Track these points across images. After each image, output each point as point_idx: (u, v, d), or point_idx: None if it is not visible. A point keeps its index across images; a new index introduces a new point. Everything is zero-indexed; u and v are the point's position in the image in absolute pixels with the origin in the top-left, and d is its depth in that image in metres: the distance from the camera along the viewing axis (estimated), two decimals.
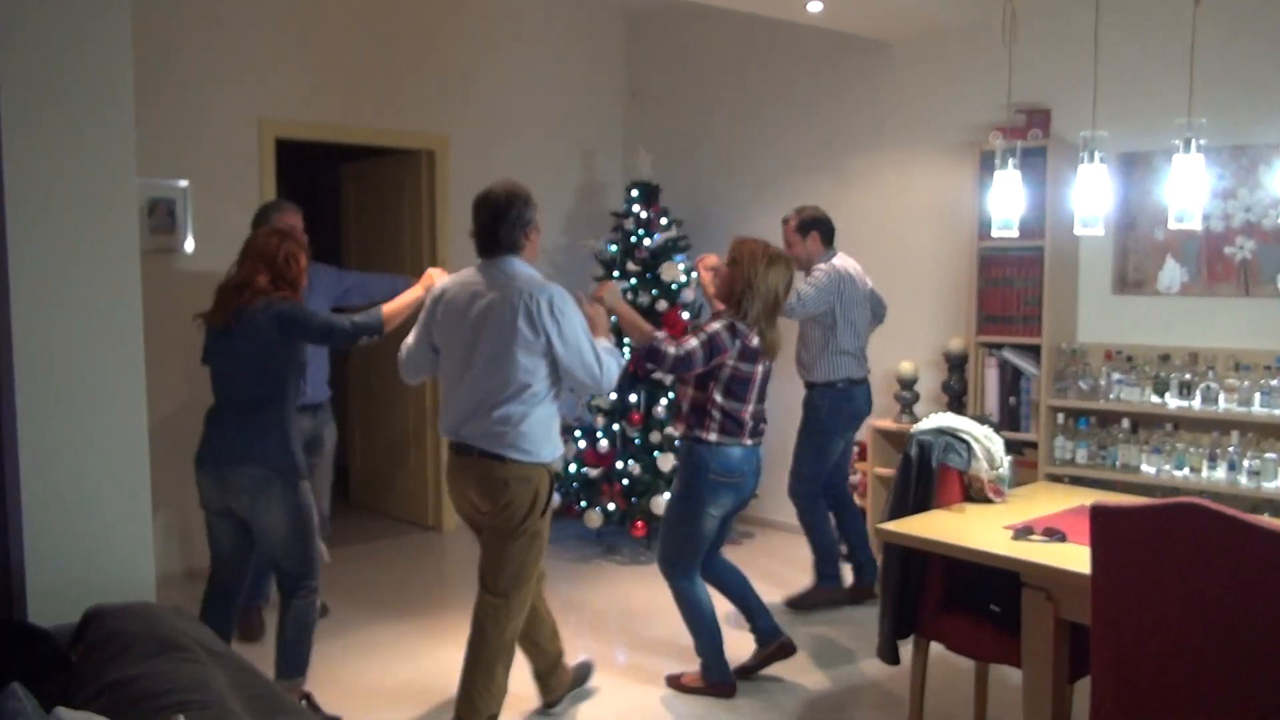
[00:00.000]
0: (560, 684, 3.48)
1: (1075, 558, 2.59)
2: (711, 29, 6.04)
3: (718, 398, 3.41)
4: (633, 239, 5.50)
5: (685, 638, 3.73)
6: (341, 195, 6.43)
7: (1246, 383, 4.10)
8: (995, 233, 3.37)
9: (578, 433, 5.44)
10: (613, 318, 3.49)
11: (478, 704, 3.12)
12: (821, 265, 4.41)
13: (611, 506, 5.29)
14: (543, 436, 3.07)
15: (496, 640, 3.12)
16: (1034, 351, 4.58)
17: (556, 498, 3.24)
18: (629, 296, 5.38)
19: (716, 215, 5.91)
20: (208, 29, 4.85)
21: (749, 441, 3.49)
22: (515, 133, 5.95)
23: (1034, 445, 4.56)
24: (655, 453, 5.24)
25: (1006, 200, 3.26)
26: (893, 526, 3.01)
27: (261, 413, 3.14)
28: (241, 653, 3.27)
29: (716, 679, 3.63)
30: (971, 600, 3.10)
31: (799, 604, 4.46)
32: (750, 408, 3.47)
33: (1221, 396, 4.13)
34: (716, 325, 3.40)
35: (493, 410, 3.01)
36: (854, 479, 5.24)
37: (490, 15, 5.86)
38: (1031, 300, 4.56)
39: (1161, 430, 4.27)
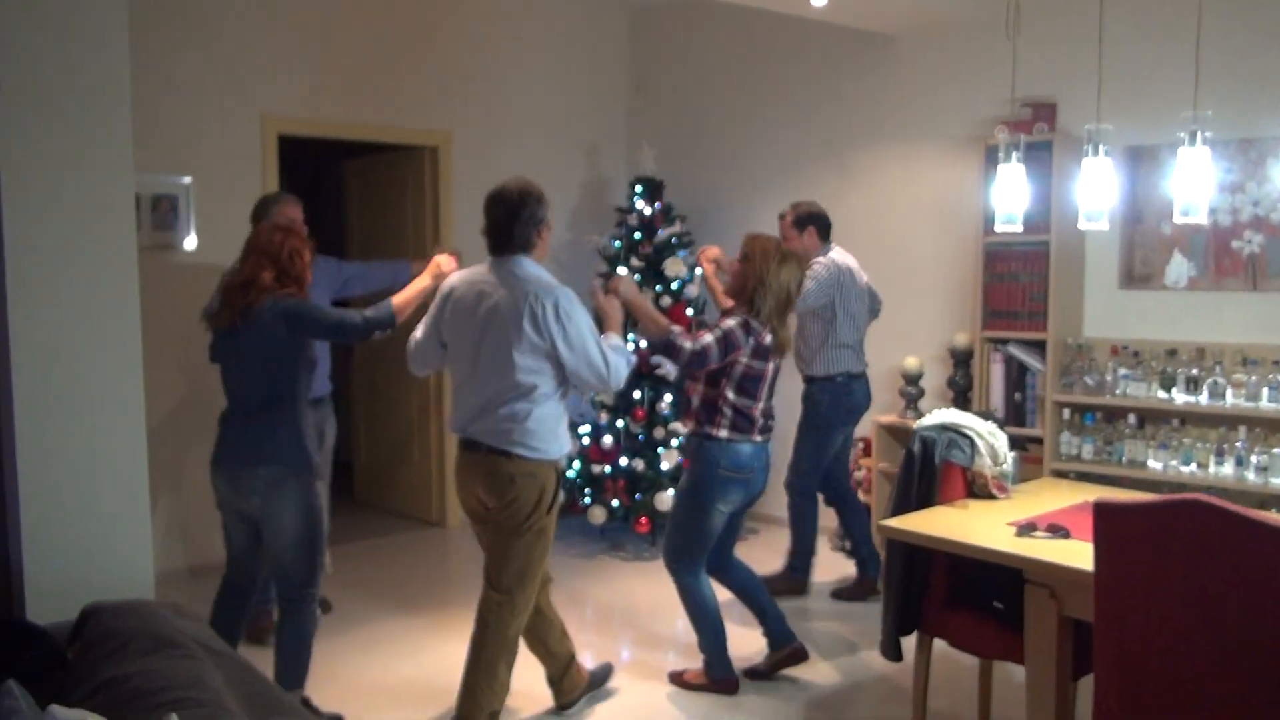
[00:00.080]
0: (574, 686, 3.46)
1: (1079, 554, 2.56)
2: (715, 24, 6.02)
3: (730, 395, 3.40)
4: (636, 235, 5.48)
5: (689, 634, 3.72)
6: (344, 192, 6.43)
7: (1254, 378, 4.06)
8: (999, 227, 3.34)
9: (585, 429, 5.43)
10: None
11: (479, 701, 3.11)
12: (820, 259, 4.39)
13: (615, 503, 5.28)
14: (550, 433, 3.07)
15: (500, 637, 3.11)
16: (1039, 347, 4.55)
17: (562, 494, 3.23)
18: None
19: (720, 210, 5.89)
20: (211, 26, 4.85)
21: (759, 438, 3.48)
22: (518, 129, 5.94)
23: (1039, 441, 4.53)
24: (659, 449, 5.23)
25: (1010, 194, 3.24)
26: (895, 523, 2.99)
27: (273, 411, 3.11)
28: (249, 654, 3.30)
29: (720, 676, 3.62)
30: (975, 597, 3.08)
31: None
32: (761, 405, 3.46)
33: (1229, 392, 4.10)
34: (731, 322, 3.39)
35: (499, 408, 3.02)
36: (859, 475, 5.22)
37: (493, 11, 5.85)
38: (1037, 295, 4.53)
39: (1168, 426, 4.23)
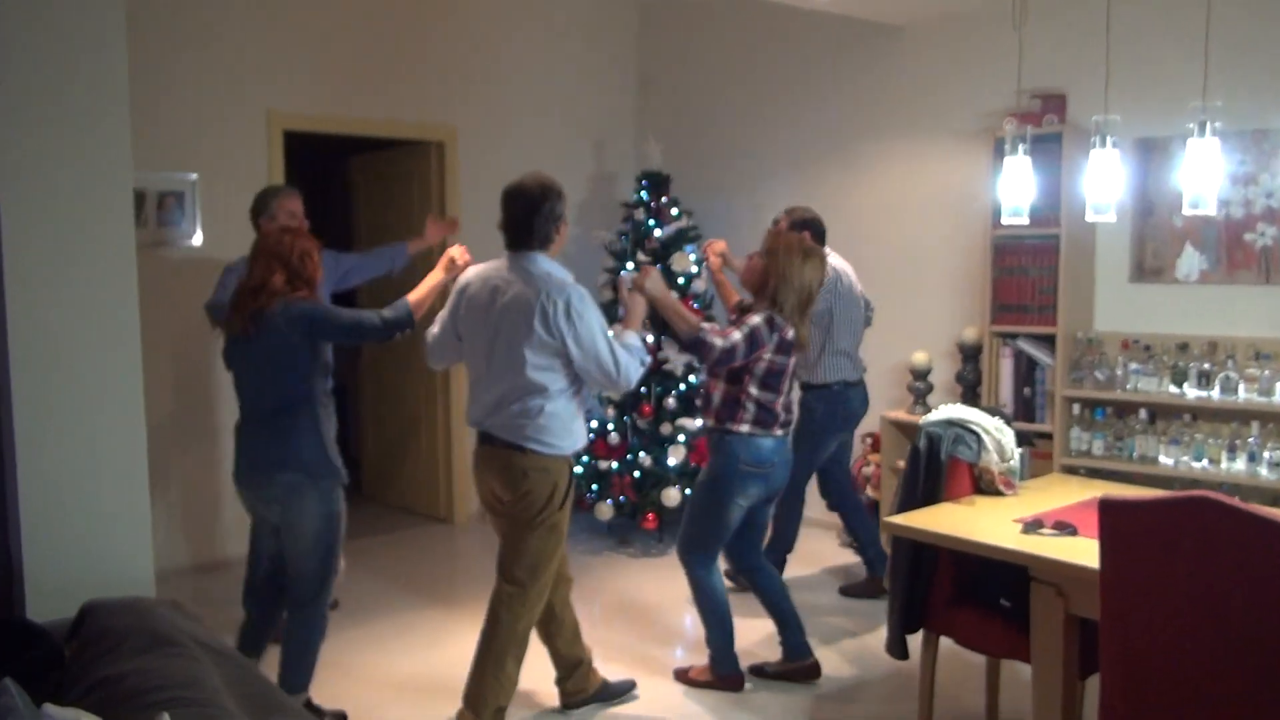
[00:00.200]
0: (580, 690, 3.44)
1: (1086, 552, 2.52)
2: (722, 17, 5.98)
3: (753, 390, 3.38)
4: (643, 229, 5.45)
5: (697, 630, 3.70)
6: (351, 188, 6.42)
7: (1267, 372, 4.01)
8: (1005, 220, 3.31)
9: (592, 424, 5.41)
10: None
11: (485, 694, 3.10)
12: None
13: (623, 499, 5.26)
14: (563, 429, 3.07)
15: (510, 630, 3.11)
16: (1049, 341, 4.50)
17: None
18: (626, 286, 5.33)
19: (727, 205, 5.86)
20: (216, 21, 4.85)
21: (779, 432, 3.46)
22: (524, 123, 5.92)
23: (1049, 436, 4.49)
24: (666, 445, 5.21)
25: (1017, 187, 3.20)
26: (900, 520, 2.96)
27: (291, 417, 3.07)
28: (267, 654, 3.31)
29: (725, 672, 3.60)
30: (981, 594, 3.05)
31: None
32: (782, 399, 3.44)
33: (1241, 386, 4.05)
34: (756, 319, 3.35)
35: (513, 403, 3.03)
36: (867, 470, 5.19)
37: (499, 5, 5.83)
38: (1046, 289, 4.48)
39: (1180, 421, 4.19)
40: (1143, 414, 4.26)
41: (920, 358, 4.94)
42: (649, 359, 3.30)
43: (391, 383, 6.16)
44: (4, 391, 2.55)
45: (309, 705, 3.27)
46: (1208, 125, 2.70)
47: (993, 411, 3.36)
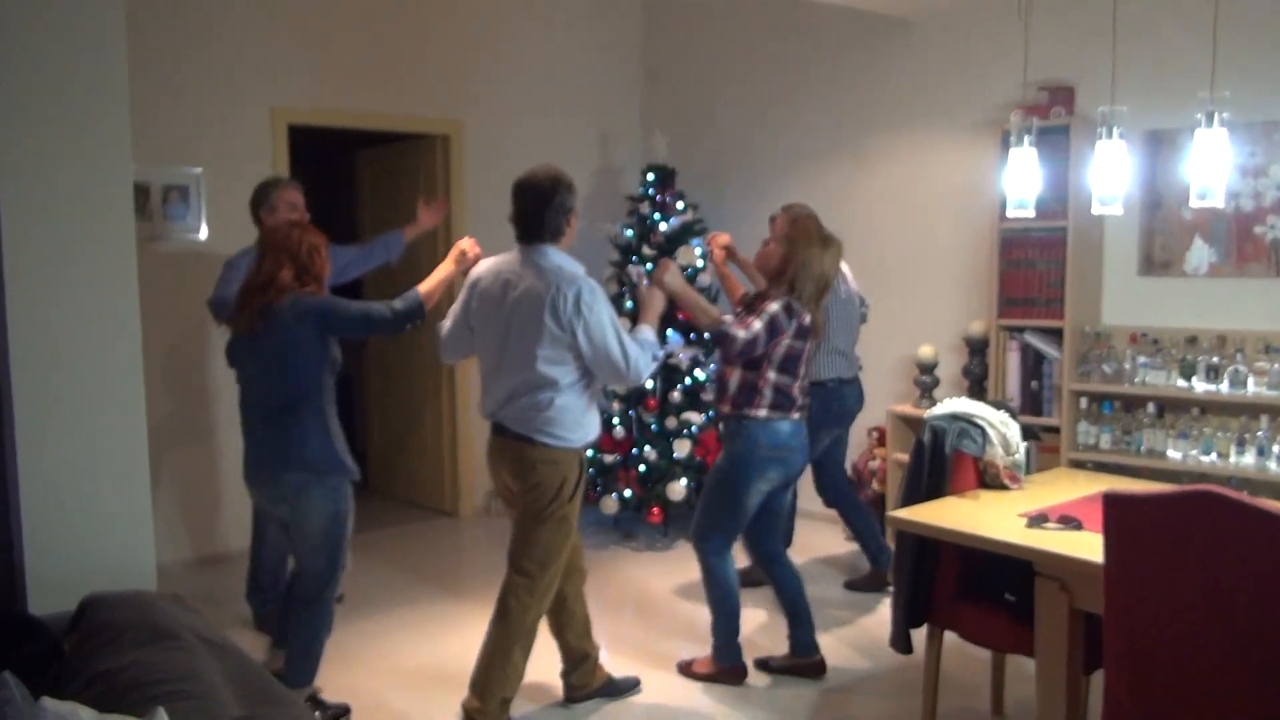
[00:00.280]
0: (584, 684, 3.44)
1: (1091, 546, 2.50)
2: (728, 10, 5.95)
3: (771, 375, 3.37)
4: (648, 223, 5.43)
5: (701, 625, 3.69)
6: (357, 182, 6.42)
7: (1277, 366, 3.98)
8: (1010, 213, 3.28)
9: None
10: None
11: (492, 684, 3.11)
12: None
13: (628, 493, 5.25)
14: (573, 422, 3.07)
15: (519, 620, 3.11)
16: (1056, 335, 4.47)
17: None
18: (645, 281, 5.32)
19: (733, 198, 5.83)
20: (220, 16, 4.84)
21: (796, 416, 3.45)
22: (531, 117, 5.90)
23: (1056, 430, 4.46)
24: (671, 439, 5.19)
25: (1022, 179, 3.17)
26: (904, 514, 2.95)
27: (297, 414, 3.05)
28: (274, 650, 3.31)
29: (729, 664, 3.58)
30: (986, 589, 3.03)
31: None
32: (799, 383, 3.43)
33: (1250, 380, 4.02)
34: (774, 306, 3.34)
35: (524, 396, 3.03)
36: (873, 465, 5.17)
37: None
38: (1054, 282, 4.45)
39: (1188, 415, 4.15)
40: (1151, 408, 4.23)
41: (927, 351, 4.92)
42: (662, 354, 3.28)
43: (397, 376, 6.16)
44: (4, 387, 2.55)
45: (314, 699, 3.28)
46: (1215, 116, 2.67)
47: (998, 405, 3.34)
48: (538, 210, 3.05)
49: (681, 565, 4.96)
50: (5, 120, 2.59)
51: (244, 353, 3.16)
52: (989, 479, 3.20)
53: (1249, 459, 3.97)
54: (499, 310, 3.07)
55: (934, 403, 4.73)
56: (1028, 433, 3.40)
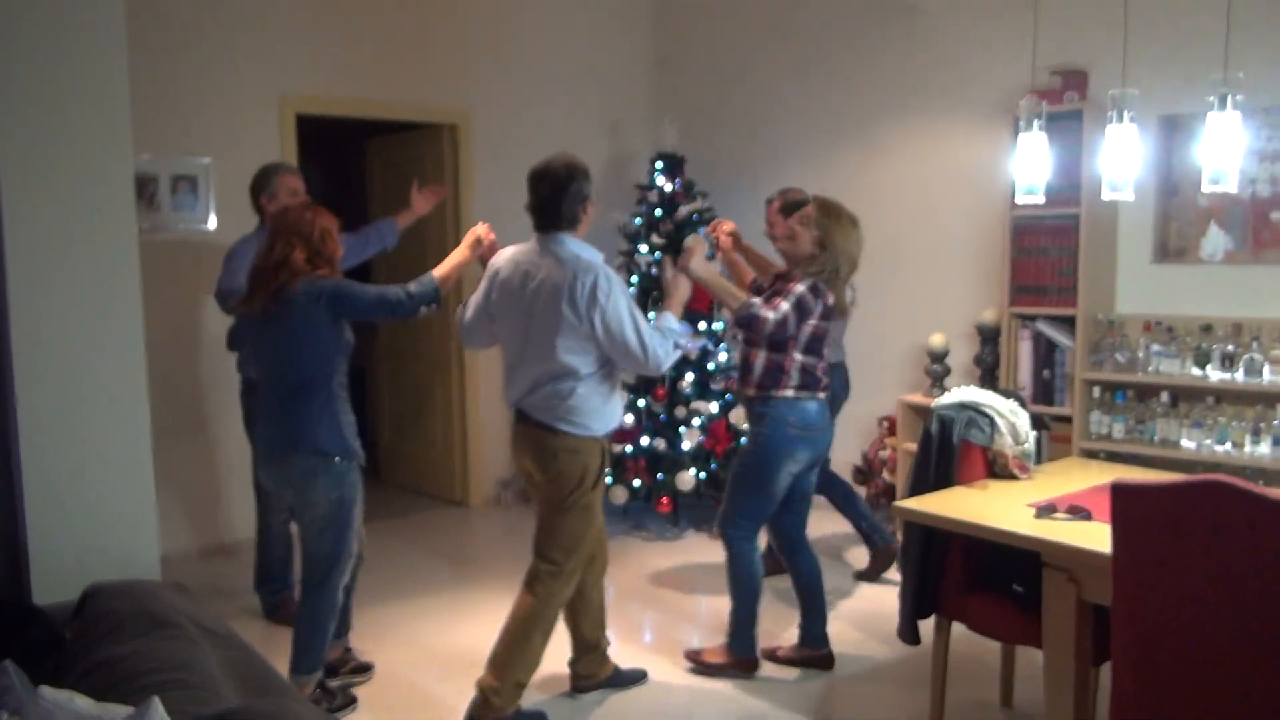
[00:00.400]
0: (590, 674, 3.44)
1: (1099, 537, 2.47)
2: None
3: (797, 356, 3.35)
4: (657, 212, 5.41)
5: (711, 615, 3.67)
6: (366, 171, 6.41)
7: None
8: (1019, 199, 3.23)
9: None
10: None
11: (507, 668, 3.11)
12: None
13: (637, 483, 5.24)
14: (595, 410, 3.07)
15: (541, 606, 3.12)
16: (1069, 323, 4.42)
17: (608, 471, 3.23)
18: (653, 270, 5.30)
19: (742, 186, 5.79)
20: (228, 5, 4.83)
21: (821, 395, 3.43)
22: (539, 105, 5.87)
23: (1068, 420, 4.41)
24: (680, 428, 5.17)
25: (1032, 165, 3.12)
26: (911, 504, 2.91)
27: (306, 398, 3.04)
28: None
29: (742, 654, 3.54)
30: (994, 580, 3.00)
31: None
32: (822, 363, 3.42)
33: (1266, 369, 3.96)
34: (800, 287, 3.31)
35: (546, 385, 3.04)
36: (883, 454, 5.14)
37: None
38: (1067, 270, 4.40)
39: (1202, 404, 4.10)
40: (1165, 397, 4.18)
41: (938, 340, 4.88)
42: (685, 343, 3.26)
43: (407, 365, 6.16)
44: (7, 378, 2.55)
45: (321, 685, 3.28)
46: (1229, 98, 2.62)
47: (1007, 394, 3.30)
48: (554, 198, 3.05)
49: (691, 555, 4.95)
50: (6, 111, 2.58)
51: (255, 336, 3.14)
52: (998, 469, 3.16)
53: (1264, 448, 3.92)
54: (519, 300, 3.07)
55: (945, 392, 4.70)
56: (1037, 422, 3.36)
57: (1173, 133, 4.28)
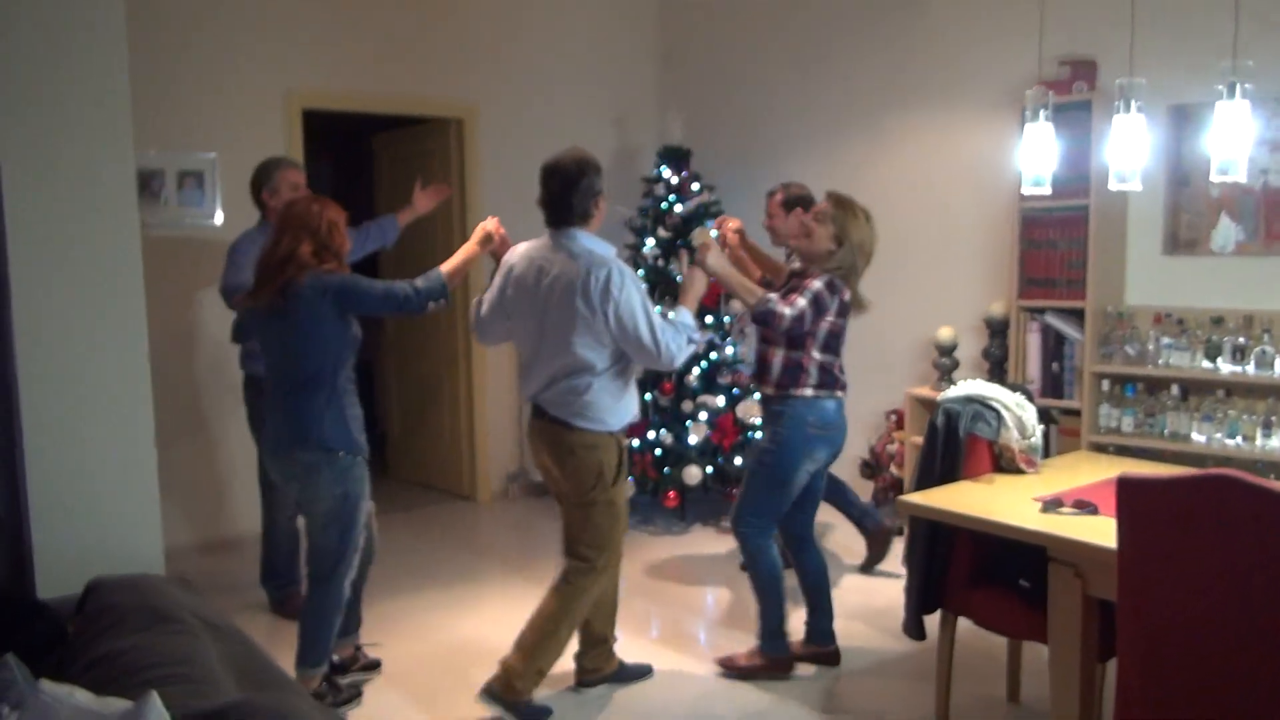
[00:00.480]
0: (595, 669, 3.43)
1: (1105, 532, 2.44)
2: None
3: (816, 354, 3.33)
4: (663, 205, 5.39)
5: (718, 609, 3.66)
6: (374, 166, 6.42)
7: None
8: (1025, 190, 3.20)
9: None
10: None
11: (533, 654, 3.12)
12: None
13: (644, 477, 5.23)
14: (610, 406, 3.09)
15: (572, 598, 3.14)
16: (1078, 316, 4.39)
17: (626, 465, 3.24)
18: (659, 263, 5.28)
19: (749, 179, 5.76)
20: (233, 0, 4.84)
21: (840, 394, 3.41)
22: (545, 99, 5.86)
23: (1078, 413, 4.38)
24: (687, 423, 5.16)
25: (1038, 155, 3.09)
26: (916, 498, 2.90)
27: (311, 393, 3.03)
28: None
29: (778, 654, 3.48)
30: (1000, 574, 2.98)
31: None
32: (839, 360, 3.40)
33: (1278, 361, 3.92)
34: (817, 283, 3.29)
35: (561, 380, 3.05)
36: (891, 448, 5.12)
37: None
38: (1075, 263, 4.36)
39: (1213, 397, 4.07)
40: (1175, 390, 4.15)
41: (946, 333, 4.85)
42: (699, 337, 3.25)
43: (415, 360, 6.16)
44: (10, 374, 2.56)
45: (327, 679, 3.29)
46: (1237, 87, 2.58)
47: (1014, 387, 3.28)
48: (565, 194, 3.05)
49: (697, 549, 4.94)
50: (6, 110, 2.58)
51: (261, 330, 3.13)
52: (1005, 463, 3.14)
53: (1276, 442, 3.88)
54: (534, 296, 3.08)
55: (953, 385, 4.67)
56: (1044, 416, 3.33)
57: (1183, 123, 4.24)
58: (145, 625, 2.08)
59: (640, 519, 5.37)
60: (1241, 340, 4.01)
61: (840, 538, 4.91)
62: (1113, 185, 2.98)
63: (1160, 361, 4.21)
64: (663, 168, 5.44)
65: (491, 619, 4.02)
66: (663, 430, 5.20)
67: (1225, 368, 4.04)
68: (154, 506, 2.88)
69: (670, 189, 5.39)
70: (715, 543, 5.00)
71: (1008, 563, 2.95)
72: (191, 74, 4.72)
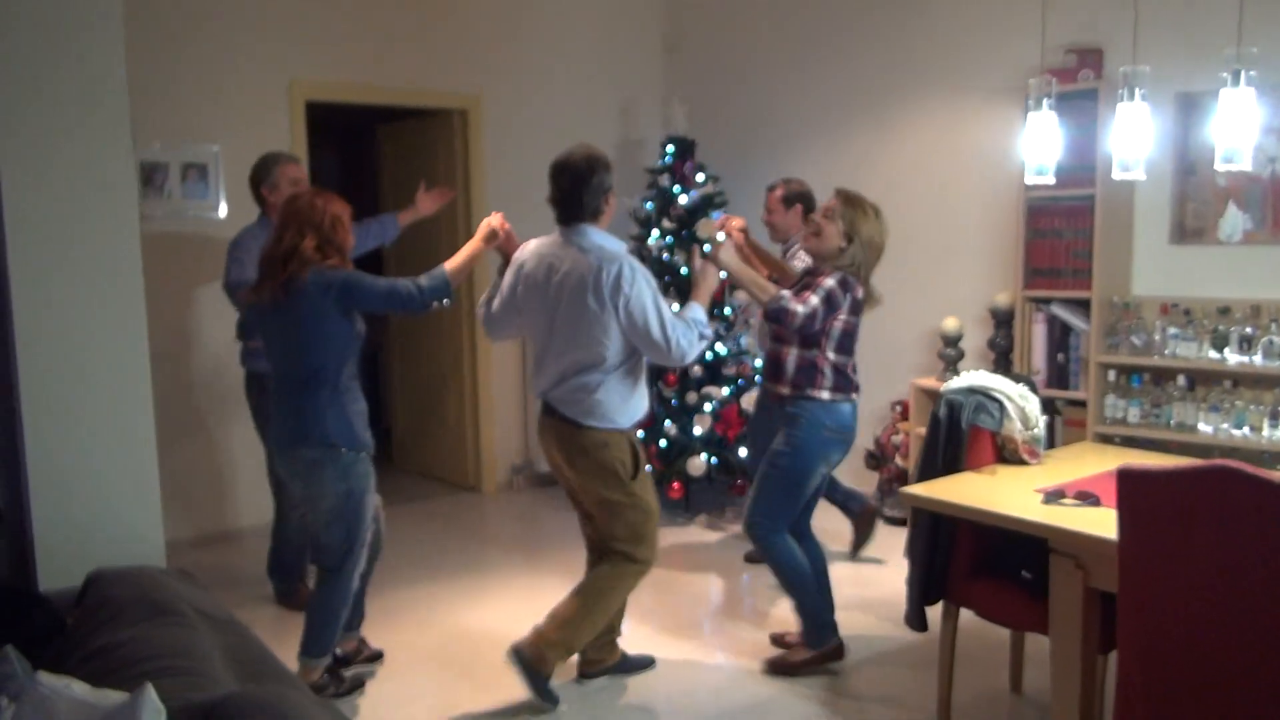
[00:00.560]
0: (599, 659, 3.44)
1: (1107, 523, 2.42)
2: None
3: (830, 355, 3.31)
4: (669, 195, 5.37)
5: (724, 600, 3.64)
6: (378, 158, 6.41)
7: None
8: (1029, 179, 3.17)
9: None
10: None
11: (563, 626, 3.14)
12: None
13: (649, 469, 5.22)
14: (620, 404, 3.08)
15: (607, 587, 3.18)
16: (1084, 306, 4.36)
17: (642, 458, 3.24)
18: (664, 256, 5.27)
19: (753, 170, 5.74)
20: None
21: (855, 396, 3.40)
22: (549, 90, 5.85)
23: (1083, 404, 4.36)
24: (692, 414, 5.15)
25: (1042, 144, 3.07)
26: (919, 490, 2.88)
27: (315, 389, 3.02)
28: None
29: (823, 645, 3.45)
30: (1002, 566, 2.97)
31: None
32: (852, 361, 3.39)
33: None
34: (830, 281, 3.27)
35: (571, 378, 3.05)
36: (896, 439, 5.10)
37: None
38: (1081, 252, 4.33)
39: (1220, 387, 4.04)
40: (1181, 380, 4.12)
41: (951, 323, 4.83)
42: (711, 333, 3.24)
43: (420, 352, 6.17)
44: (12, 368, 2.56)
45: (331, 671, 3.30)
46: (1242, 74, 2.55)
47: (1018, 378, 3.26)
48: (575, 191, 3.05)
49: (702, 540, 4.94)
50: (6, 108, 2.58)
51: (264, 326, 3.13)
52: (1007, 454, 3.13)
53: None
54: (545, 293, 3.08)
55: (958, 376, 4.65)
56: (1047, 407, 3.31)
57: (1190, 111, 4.20)
58: (144, 617, 2.09)
59: None
60: (1249, 330, 3.99)
61: (823, 523, 4.91)
62: (1117, 174, 2.96)
63: (1167, 352, 4.19)
64: (669, 158, 5.41)
65: (496, 610, 4.02)
66: (667, 421, 5.20)
67: (1232, 358, 4.01)
68: (155, 500, 2.88)
69: (675, 179, 5.36)
70: (719, 534, 5.00)
71: (1010, 554, 2.94)
72: (195, 66, 4.72)
